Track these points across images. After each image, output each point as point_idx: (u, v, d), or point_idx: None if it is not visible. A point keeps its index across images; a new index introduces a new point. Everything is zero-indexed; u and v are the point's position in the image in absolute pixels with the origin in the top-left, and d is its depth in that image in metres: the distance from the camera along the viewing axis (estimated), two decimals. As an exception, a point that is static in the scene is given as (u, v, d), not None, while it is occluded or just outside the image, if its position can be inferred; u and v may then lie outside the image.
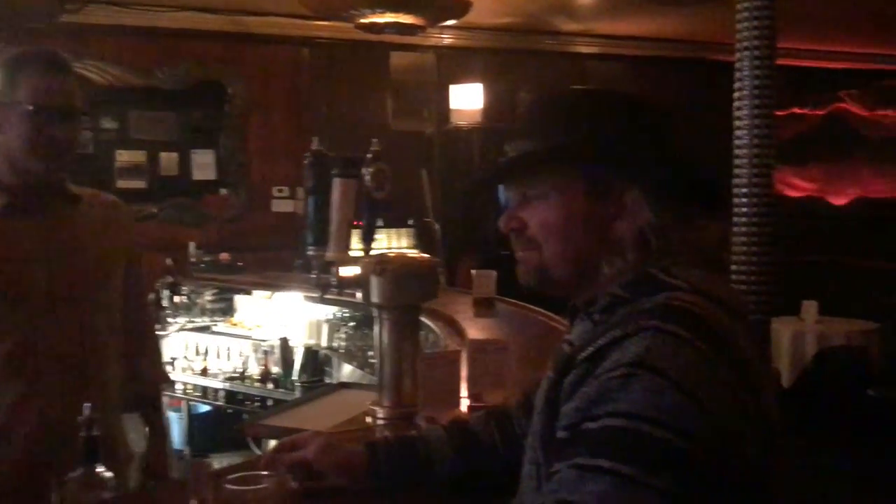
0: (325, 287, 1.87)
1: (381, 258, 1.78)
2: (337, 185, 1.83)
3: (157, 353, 2.28)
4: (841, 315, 5.94)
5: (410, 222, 6.79)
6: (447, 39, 7.33)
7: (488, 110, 7.19)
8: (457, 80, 7.25)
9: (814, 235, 7.94)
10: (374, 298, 1.77)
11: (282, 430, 1.76)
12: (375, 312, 1.82)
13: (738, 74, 3.78)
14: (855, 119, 9.37)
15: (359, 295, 1.82)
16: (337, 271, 1.84)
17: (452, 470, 1.42)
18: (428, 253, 6.98)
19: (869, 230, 8.34)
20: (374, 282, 1.76)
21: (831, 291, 6.20)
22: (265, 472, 1.15)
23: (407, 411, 1.79)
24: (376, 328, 1.83)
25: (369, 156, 1.91)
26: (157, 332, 2.63)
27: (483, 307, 3.48)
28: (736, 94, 3.82)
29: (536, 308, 3.57)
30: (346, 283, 1.85)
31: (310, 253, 1.83)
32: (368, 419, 1.82)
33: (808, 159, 8.89)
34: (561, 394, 1.04)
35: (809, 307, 5.84)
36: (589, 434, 0.93)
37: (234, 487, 1.06)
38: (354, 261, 1.85)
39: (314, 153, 1.80)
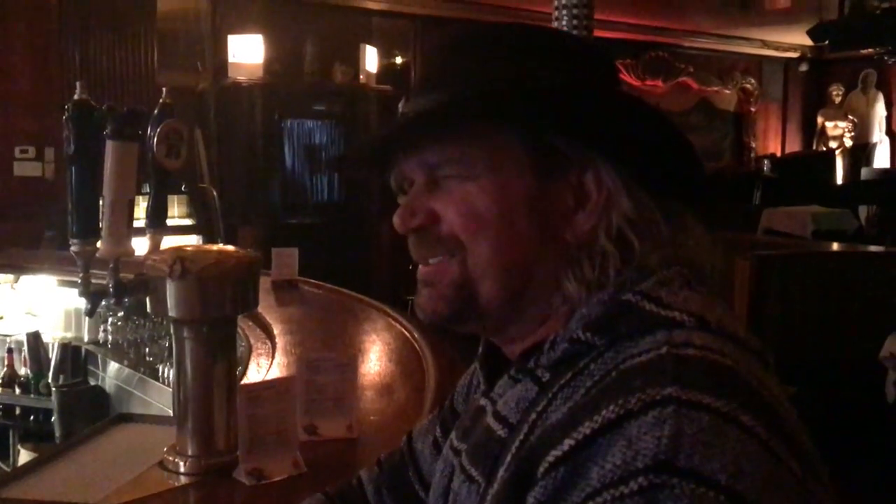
0: (96, 295, 1.33)
1: (180, 254, 1.27)
2: (112, 150, 1.30)
3: None
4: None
5: (183, 188, 6.06)
6: (223, -16, 6.59)
7: (270, 64, 6.56)
8: (234, 31, 6.55)
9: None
10: (172, 311, 1.27)
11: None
12: (173, 329, 1.32)
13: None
14: (627, 88, 9.70)
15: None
16: (114, 272, 1.31)
17: None
18: (205, 222, 6.30)
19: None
20: (171, 288, 1.26)
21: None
22: None
23: (221, 462, 1.31)
24: (175, 348, 1.32)
25: (157, 111, 1.39)
26: None
27: (285, 291, 3.00)
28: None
29: (341, 289, 3.16)
30: (128, 289, 1.32)
31: (74, 249, 1.29)
32: (165, 474, 1.32)
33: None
34: None
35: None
36: None
37: None
38: (139, 258, 1.33)
39: (78, 104, 1.24)
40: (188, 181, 6.09)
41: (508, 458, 0.68)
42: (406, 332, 2.34)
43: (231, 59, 6.46)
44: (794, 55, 11.02)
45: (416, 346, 2.17)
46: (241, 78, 6.45)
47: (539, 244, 0.75)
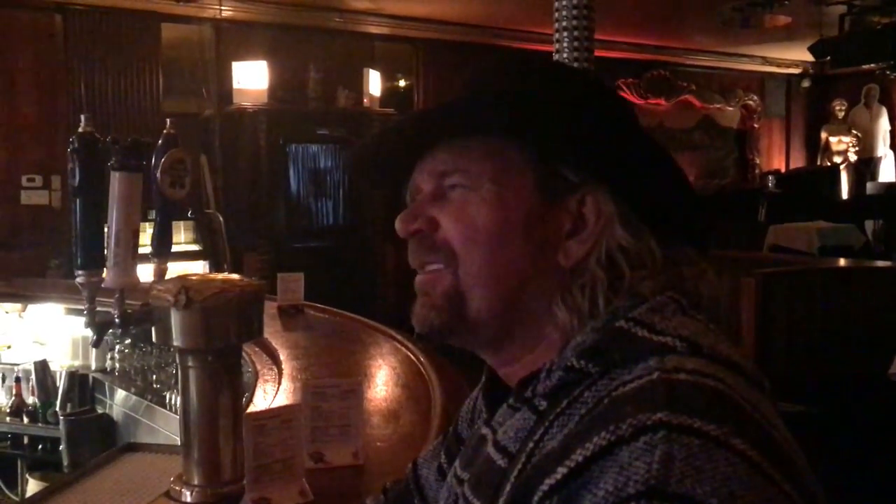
0: (102, 326, 1.34)
1: (185, 283, 1.28)
2: (117, 181, 1.31)
3: None
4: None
5: (190, 214, 6.10)
6: (227, 11, 6.66)
7: (274, 90, 6.62)
8: (238, 57, 6.61)
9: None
10: (177, 340, 1.27)
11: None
12: (178, 358, 1.32)
13: (556, 57, 3.56)
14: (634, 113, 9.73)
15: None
16: (120, 302, 1.32)
17: None
18: (211, 247, 6.34)
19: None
20: (176, 317, 1.26)
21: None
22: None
23: (228, 491, 1.31)
24: (180, 378, 1.33)
25: (161, 142, 1.40)
26: None
27: (291, 316, 3.00)
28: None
29: (347, 313, 3.16)
30: (133, 319, 1.33)
31: (79, 280, 1.30)
32: (172, 504, 1.32)
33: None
34: None
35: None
36: None
37: None
38: (144, 287, 1.34)
39: (83, 137, 1.26)
40: (194, 207, 6.13)
41: (508, 487, 0.68)
42: (412, 356, 2.33)
43: (236, 85, 6.52)
44: (796, 71, 11.06)
45: (423, 370, 2.16)
46: (246, 104, 6.50)
47: (532, 264, 0.77)
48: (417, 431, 1.69)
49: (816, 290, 4.61)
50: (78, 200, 1.30)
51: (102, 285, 1.33)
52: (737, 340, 0.78)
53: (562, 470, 0.60)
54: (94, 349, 3.38)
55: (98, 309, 1.38)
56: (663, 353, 0.67)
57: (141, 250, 1.39)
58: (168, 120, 1.41)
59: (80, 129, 1.27)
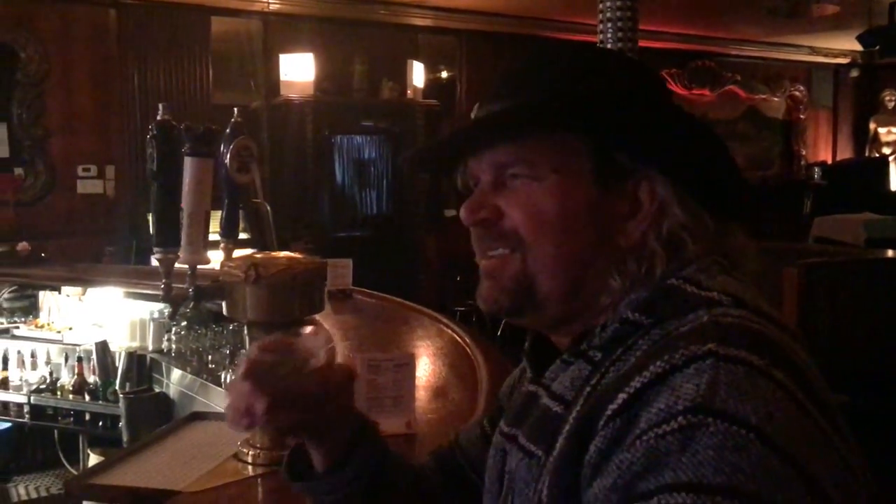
0: (177, 300, 1.44)
1: (253, 261, 1.37)
2: (190, 166, 1.41)
3: None
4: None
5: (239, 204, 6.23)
6: (274, 5, 6.79)
7: (320, 82, 6.73)
8: (285, 50, 6.73)
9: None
10: (247, 313, 1.37)
11: (122, 492, 1.33)
12: (247, 330, 1.42)
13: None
14: (675, 98, 9.66)
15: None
16: (193, 278, 1.42)
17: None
18: (259, 236, 6.46)
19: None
20: (245, 292, 1.36)
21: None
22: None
23: (291, 454, 1.41)
24: (248, 349, 1.43)
25: (229, 130, 1.50)
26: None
27: (340, 300, 3.11)
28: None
29: (393, 297, 3.26)
30: (205, 294, 1.43)
31: (157, 256, 1.40)
32: (239, 465, 1.42)
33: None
34: (581, 476, 0.70)
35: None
36: None
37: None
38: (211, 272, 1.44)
39: (161, 124, 1.36)
40: (243, 197, 6.26)
41: (567, 427, 0.74)
42: (458, 338, 2.42)
43: (283, 77, 6.64)
44: (844, 61, 10.89)
45: (468, 350, 2.25)
46: (293, 95, 6.62)
47: (595, 246, 0.82)
48: (466, 406, 1.77)
49: (860, 282, 4.59)
50: (155, 184, 1.41)
51: (177, 263, 1.44)
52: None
53: (622, 396, 0.68)
54: (151, 331, 3.51)
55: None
56: (711, 306, 0.75)
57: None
58: (235, 109, 1.51)
59: (159, 118, 1.38)
